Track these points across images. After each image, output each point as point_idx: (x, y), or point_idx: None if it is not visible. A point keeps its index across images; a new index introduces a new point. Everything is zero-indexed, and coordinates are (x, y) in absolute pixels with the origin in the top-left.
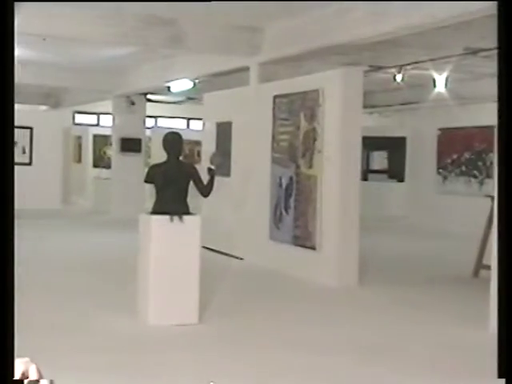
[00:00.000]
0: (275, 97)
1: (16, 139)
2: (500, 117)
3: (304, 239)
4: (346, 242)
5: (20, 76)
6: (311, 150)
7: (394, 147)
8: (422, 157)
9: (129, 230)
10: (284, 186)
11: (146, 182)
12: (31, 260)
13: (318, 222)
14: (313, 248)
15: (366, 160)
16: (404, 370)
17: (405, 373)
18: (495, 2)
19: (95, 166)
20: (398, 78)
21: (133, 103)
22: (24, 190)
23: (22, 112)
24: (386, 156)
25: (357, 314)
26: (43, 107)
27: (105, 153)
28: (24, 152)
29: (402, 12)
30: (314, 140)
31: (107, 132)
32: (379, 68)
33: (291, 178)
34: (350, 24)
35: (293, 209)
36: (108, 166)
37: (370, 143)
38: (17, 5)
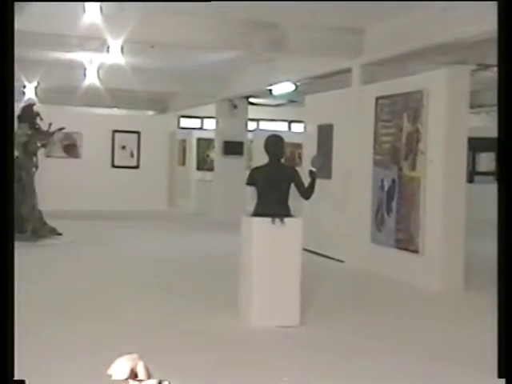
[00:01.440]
0: (377, 98)
1: (124, 143)
2: (500, 117)
3: (406, 242)
4: (451, 245)
5: (130, 82)
6: (414, 151)
7: None
8: None
9: (231, 231)
10: (386, 188)
11: (247, 184)
12: (136, 260)
13: (421, 224)
14: (416, 251)
15: (472, 161)
16: None
17: None
18: None
19: (199, 168)
20: None
21: (235, 107)
22: (131, 192)
23: (131, 117)
24: (493, 157)
25: (462, 320)
26: (150, 112)
27: (208, 156)
28: (132, 156)
29: None
30: (418, 141)
31: (210, 135)
32: (487, 66)
33: (393, 181)
34: (454, 23)
35: (395, 211)
36: (211, 169)
37: (477, 144)
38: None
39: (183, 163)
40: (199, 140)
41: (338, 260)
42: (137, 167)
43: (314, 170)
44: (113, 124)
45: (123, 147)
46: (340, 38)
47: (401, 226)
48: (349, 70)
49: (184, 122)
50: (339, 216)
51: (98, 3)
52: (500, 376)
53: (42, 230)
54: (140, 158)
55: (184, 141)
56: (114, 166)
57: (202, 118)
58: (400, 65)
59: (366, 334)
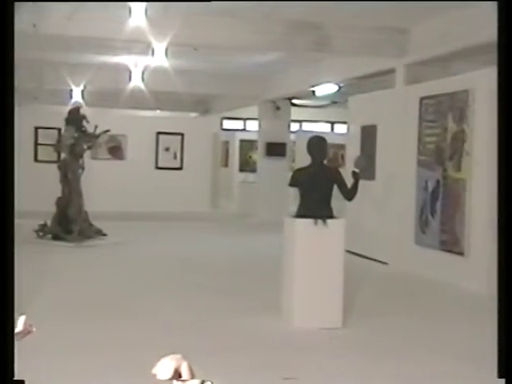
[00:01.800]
0: (422, 98)
1: (168, 145)
2: (500, 117)
3: (451, 244)
4: (497, 247)
5: (173, 85)
6: (459, 152)
7: None
8: None
9: (273, 232)
10: (430, 189)
11: (290, 185)
12: (179, 261)
13: (466, 226)
14: (461, 253)
15: None
16: None
17: None
18: None
19: (241, 170)
20: None
21: (278, 108)
22: (175, 193)
23: (174, 119)
24: None
25: None
26: (193, 114)
27: (250, 157)
28: (175, 157)
29: None
30: (463, 142)
31: (253, 137)
32: None
33: (438, 182)
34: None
35: (439, 213)
36: (254, 170)
37: None
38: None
39: (226, 165)
40: (242, 141)
41: (381, 262)
42: (180, 169)
43: (357, 170)
44: (157, 126)
45: (167, 149)
46: (384, 37)
47: (445, 228)
48: (393, 71)
49: (227, 124)
50: (382, 217)
51: (144, 6)
52: (500, 376)
53: (88, 231)
54: (183, 159)
55: (227, 142)
56: (157, 167)
57: (244, 119)
58: (444, 64)
59: (409, 336)
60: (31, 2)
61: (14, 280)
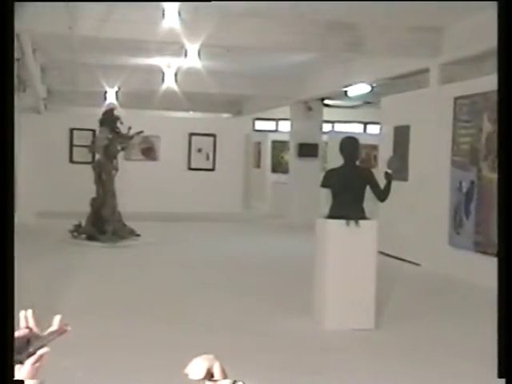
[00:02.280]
0: (456, 98)
1: (200, 146)
2: (500, 117)
3: (485, 245)
4: None
5: (206, 86)
6: (495, 152)
7: None
8: None
9: (306, 233)
10: (464, 190)
11: (322, 186)
12: (211, 261)
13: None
14: (495, 255)
15: None
16: None
17: None
18: None
19: (273, 170)
20: None
21: (310, 109)
22: (207, 194)
23: (207, 120)
24: None
25: None
26: (226, 115)
27: (283, 158)
28: (208, 158)
29: None
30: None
31: (285, 138)
32: None
33: (472, 182)
34: None
35: (474, 214)
36: (286, 171)
37: None
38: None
39: (258, 165)
40: (274, 142)
41: (413, 263)
42: (212, 170)
43: (389, 171)
44: (189, 127)
45: (199, 150)
46: (418, 37)
47: (480, 229)
48: (426, 70)
49: (259, 125)
50: (415, 218)
51: (177, 8)
52: (500, 376)
53: (122, 231)
54: (216, 160)
55: (259, 143)
56: (190, 168)
57: (276, 120)
58: (479, 64)
59: (443, 339)
60: (66, 7)
61: (14, 280)
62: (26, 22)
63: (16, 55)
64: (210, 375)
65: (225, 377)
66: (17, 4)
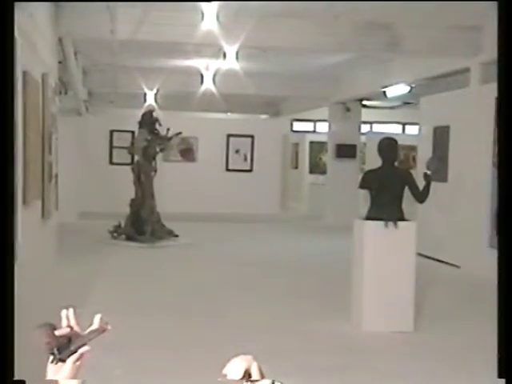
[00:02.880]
0: (498, 98)
1: (238, 147)
2: (500, 117)
3: None
4: None
5: (244, 87)
6: None
7: None
8: None
9: (343, 235)
10: None
11: (360, 187)
12: (249, 262)
13: None
14: None
15: None
16: None
17: None
18: None
19: (311, 172)
20: None
21: (348, 110)
22: (245, 195)
23: (245, 121)
24: None
25: None
26: (264, 116)
27: (321, 159)
28: (245, 159)
29: None
30: None
31: (323, 139)
32: None
33: None
34: None
35: None
36: (323, 172)
37: None
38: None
39: (296, 166)
40: (312, 143)
41: (453, 265)
42: (250, 171)
43: (429, 172)
44: (227, 128)
45: (237, 151)
46: (458, 36)
47: None
48: (467, 70)
49: (297, 126)
50: (455, 219)
51: (215, 10)
52: (500, 376)
53: (160, 232)
54: (253, 161)
55: (297, 144)
56: (228, 169)
57: (314, 121)
58: None
59: (482, 342)
60: (106, 10)
61: (14, 281)
62: (68, 26)
63: (58, 58)
64: (248, 375)
65: (263, 377)
66: (58, 9)
